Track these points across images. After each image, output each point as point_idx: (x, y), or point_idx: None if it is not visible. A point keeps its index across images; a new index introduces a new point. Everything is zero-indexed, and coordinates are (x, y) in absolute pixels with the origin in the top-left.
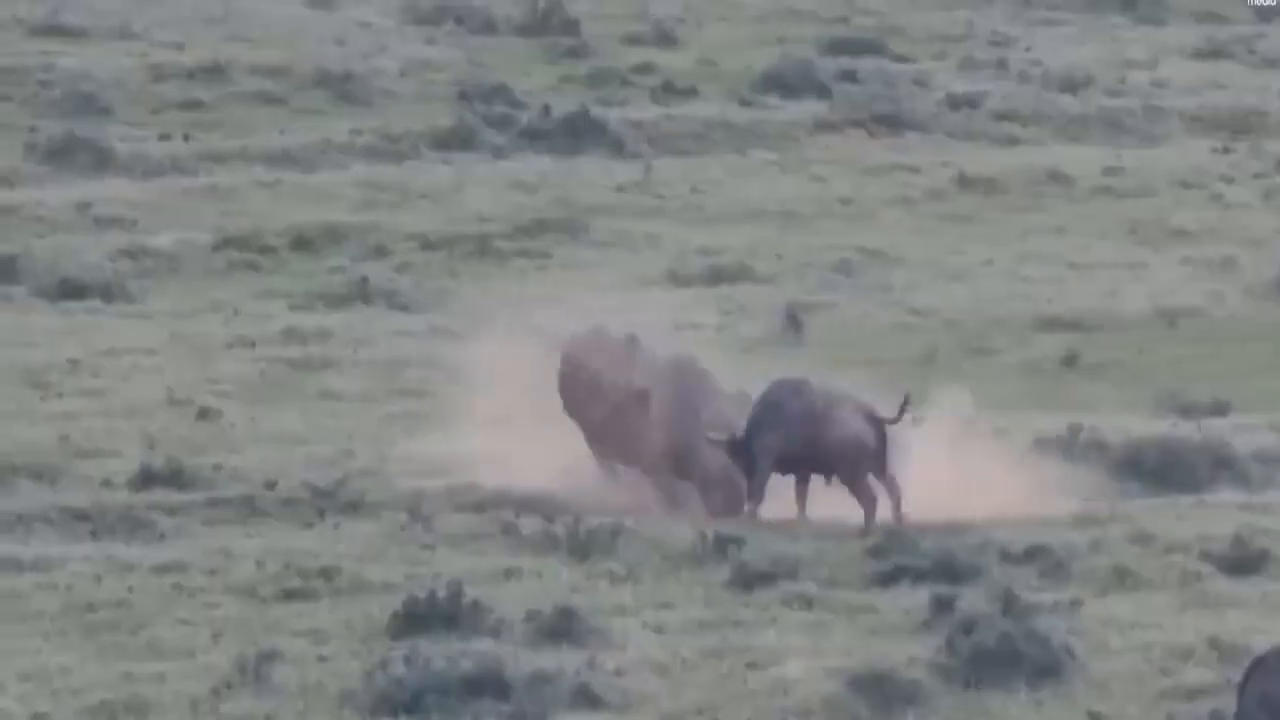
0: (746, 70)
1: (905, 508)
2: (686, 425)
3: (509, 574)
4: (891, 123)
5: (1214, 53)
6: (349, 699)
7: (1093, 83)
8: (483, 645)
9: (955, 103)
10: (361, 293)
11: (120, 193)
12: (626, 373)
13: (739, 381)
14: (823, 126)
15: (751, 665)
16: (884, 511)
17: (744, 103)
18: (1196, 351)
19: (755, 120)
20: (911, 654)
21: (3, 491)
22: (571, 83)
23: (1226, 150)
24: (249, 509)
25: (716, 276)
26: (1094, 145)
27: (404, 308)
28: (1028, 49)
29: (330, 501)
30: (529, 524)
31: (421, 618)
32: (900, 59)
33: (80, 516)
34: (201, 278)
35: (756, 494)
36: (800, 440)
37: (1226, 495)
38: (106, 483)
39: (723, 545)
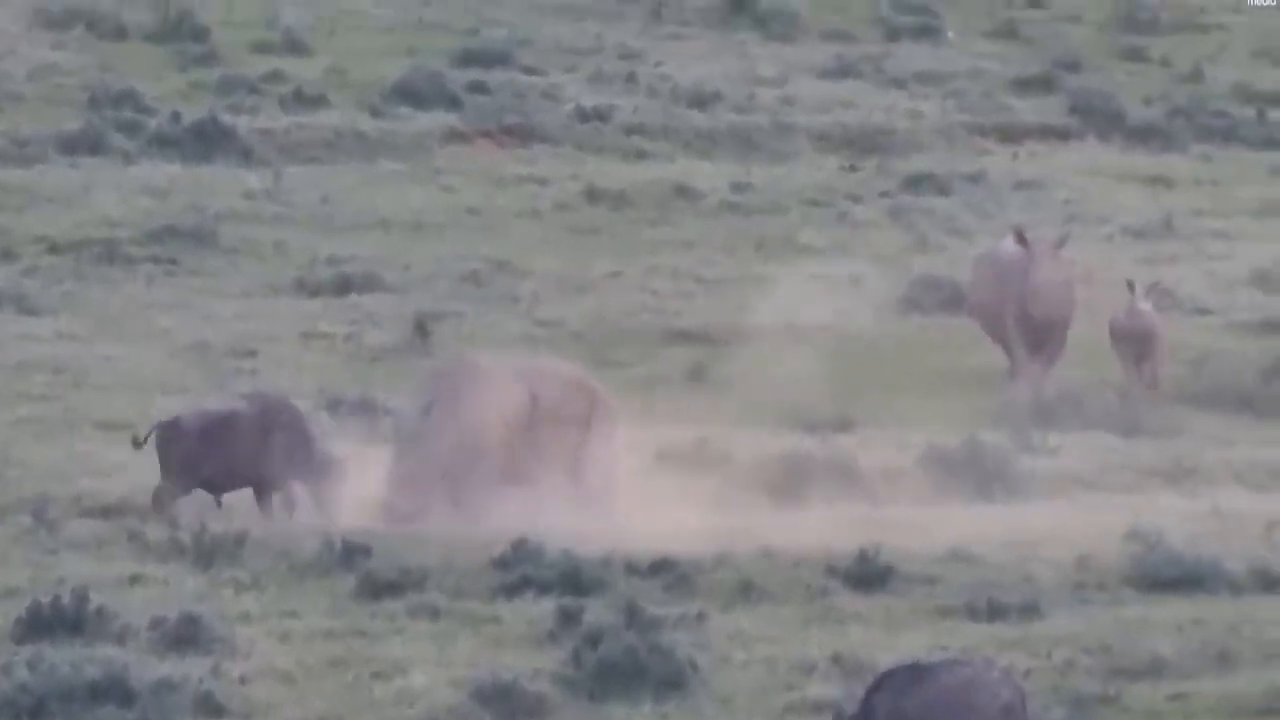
0: (377, 80)
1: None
2: None
3: (134, 580)
4: (521, 134)
5: (842, 71)
6: None
7: (722, 99)
8: (107, 652)
9: (585, 115)
10: None
11: None
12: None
13: (366, 390)
14: (453, 137)
15: (377, 675)
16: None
17: (374, 112)
18: (823, 367)
19: (385, 130)
20: (537, 665)
21: None
22: (201, 90)
23: (854, 168)
24: None
25: (345, 285)
26: (722, 161)
27: (31, 311)
28: (657, 64)
29: None
30: (154, 531)
31: (46, 623)
32: (530, 71)
33: None
34: None
35: None
36: None
37: (852, 510)
38: None
39: (350, 554)
